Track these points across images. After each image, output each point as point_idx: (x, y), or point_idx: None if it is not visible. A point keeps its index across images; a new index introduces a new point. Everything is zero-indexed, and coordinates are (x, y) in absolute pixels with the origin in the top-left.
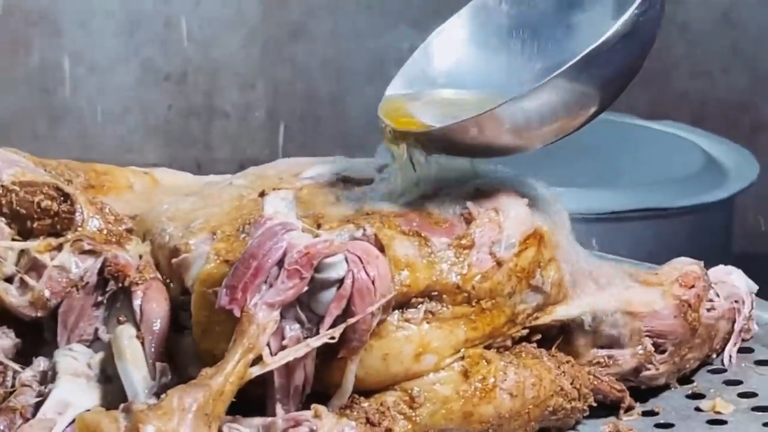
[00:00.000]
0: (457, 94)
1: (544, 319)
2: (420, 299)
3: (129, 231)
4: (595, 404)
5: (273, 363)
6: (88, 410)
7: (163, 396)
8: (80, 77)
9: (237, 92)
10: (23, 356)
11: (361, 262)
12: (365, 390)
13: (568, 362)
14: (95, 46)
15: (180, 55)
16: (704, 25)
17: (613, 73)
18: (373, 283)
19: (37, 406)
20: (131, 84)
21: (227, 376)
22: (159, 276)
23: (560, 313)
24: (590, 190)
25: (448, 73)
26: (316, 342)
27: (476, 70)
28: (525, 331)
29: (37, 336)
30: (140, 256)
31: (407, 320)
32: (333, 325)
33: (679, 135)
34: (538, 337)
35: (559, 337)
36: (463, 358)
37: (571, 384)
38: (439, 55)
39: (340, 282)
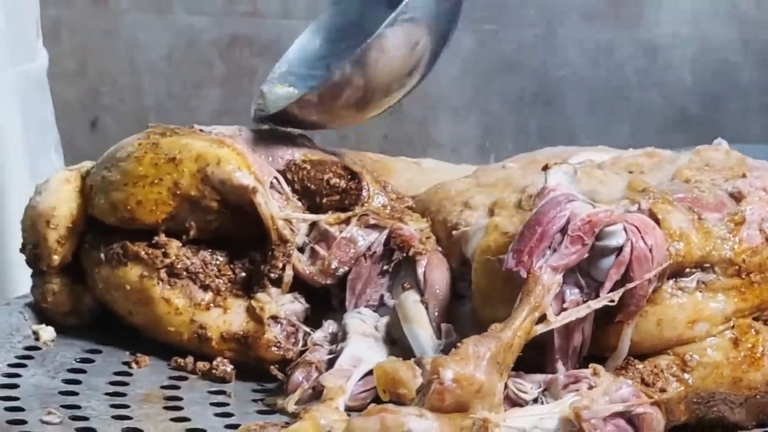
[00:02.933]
0: None
1: None
2: (693, 270)
3: (409, 208)
4: None
5: (556, 322)
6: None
7: (458, 344)
8: None
9: (450, 123)
10: (311, 321)
11: (639, 232)
12: (639, 353)
13: None
14: None
15: None
16: None
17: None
18: (650, 251)
19: (330, 362)
20: None
21: (515, 330)
22: (439, 248)
23: None
24: None
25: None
26: (596, 304)
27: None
28: None
29: (323, 303)
30: (422, 230)
31: (681, 289)
32: (611, 290)
33: None
34: None
35: None
36: (732, 327)
37: None
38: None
39: (619, 249)
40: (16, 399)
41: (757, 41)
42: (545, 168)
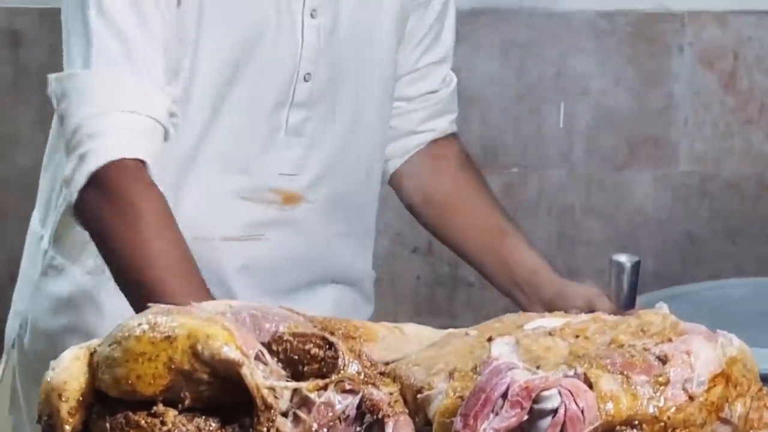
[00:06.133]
0: None
1: None
2: (623, 427)
3: (382, 374)
4: None
5: None
6: None
7: None
8: None
9: None
10: None
11: (572, 395)
12: None
13: None
14: None
15: None
16: None
17: None
18: (582, 413)
19: None
20: (383, 255)
21: None
22: (407, 410)
23: None
24: None
25: None
26: None
27: None
28: None
29: None
30: (391, 394)
31: None
32: None
33: None
34: None
35: None
36: None
37: None
38: None
39: (555, 412)
40: None
41: None
42: (489, 340)
